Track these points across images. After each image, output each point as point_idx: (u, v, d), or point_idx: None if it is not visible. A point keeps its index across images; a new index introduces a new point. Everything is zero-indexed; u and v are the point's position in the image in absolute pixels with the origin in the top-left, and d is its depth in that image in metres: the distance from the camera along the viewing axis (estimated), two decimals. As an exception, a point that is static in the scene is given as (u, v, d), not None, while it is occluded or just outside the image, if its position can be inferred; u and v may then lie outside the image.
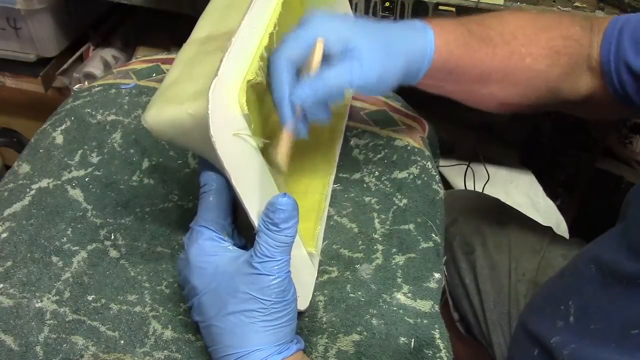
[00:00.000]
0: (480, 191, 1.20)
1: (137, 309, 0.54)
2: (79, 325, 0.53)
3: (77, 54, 1.18)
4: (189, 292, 0.48)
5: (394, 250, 0.60)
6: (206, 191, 0.48)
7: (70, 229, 0.60)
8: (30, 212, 0.61)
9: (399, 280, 0.57)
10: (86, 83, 1.10)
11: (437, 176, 0.71)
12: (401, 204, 0.65)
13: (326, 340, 0.53)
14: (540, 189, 1.25)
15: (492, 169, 1.26)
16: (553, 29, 0.59)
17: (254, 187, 0.47)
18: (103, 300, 0.55)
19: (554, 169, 1.36)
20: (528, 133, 1.37)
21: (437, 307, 0.57)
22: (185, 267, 0.47)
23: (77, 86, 1.11)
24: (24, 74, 1.15)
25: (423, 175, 0.68)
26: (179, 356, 0.52)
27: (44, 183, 0.64)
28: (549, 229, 0.88)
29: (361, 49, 0.50)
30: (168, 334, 0.53)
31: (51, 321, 0.53)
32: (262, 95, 0.61)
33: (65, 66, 1.16)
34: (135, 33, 1.26)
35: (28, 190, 0.64)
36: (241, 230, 0.51)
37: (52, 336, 0.52)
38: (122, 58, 1.20)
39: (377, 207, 0.64)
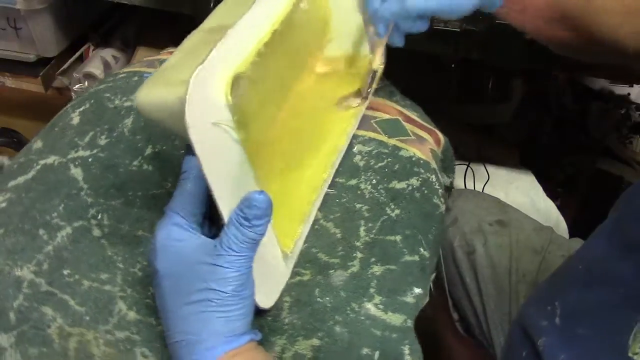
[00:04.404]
0: (480, 191, 1.17)
1: (107, 287, 0.55)
2: (51, 296, 0.55)
3: (77, 54, 1.17)
4: (152, 275, 0.48)
5: (373, 259, 0.58)
6: (185, 178, 0.48)
7: (62, 205, 0.62)
8: (31, 185, 0.64)
9: (372, 290, 0.56)
10: (86, 83, 1.11)
11: (440, 190, 0.69)
12: (393, 215, 0.63)
13: (285, 341, 0.52)
14: (540, 189, 1.22)
15: (492, 169, 1.24)
16: None
17: (227, 179, 0.47)
18: (77, 276, 0.56)
19: (554, 169, 1.34)
20: (528, 133, 1.35)
21: (410, 322, 0.55)
22: (152, 249, 0.48)
23: (77, 86, 1.12)
24: (24, 74, 1.14)
25: (423, 188, 0.66)
26: (138, 338, 0.52)
27: (50, 160, 0.67)
28: (549, 229, 0.85)
29: None
30: (132, 315, 0.54)
31: (27, 290, 0.55)
32: (271, 93, 0.61)
33: (65, 66, 1.16)
34: (135, 33, 1.25)
35: (35, 165, 0.66)
36: (215, 221, 0.51)
37: (25, 304, 0.54)
38: (122, 58, 1.20)
39: (367, 215, 0.63)
